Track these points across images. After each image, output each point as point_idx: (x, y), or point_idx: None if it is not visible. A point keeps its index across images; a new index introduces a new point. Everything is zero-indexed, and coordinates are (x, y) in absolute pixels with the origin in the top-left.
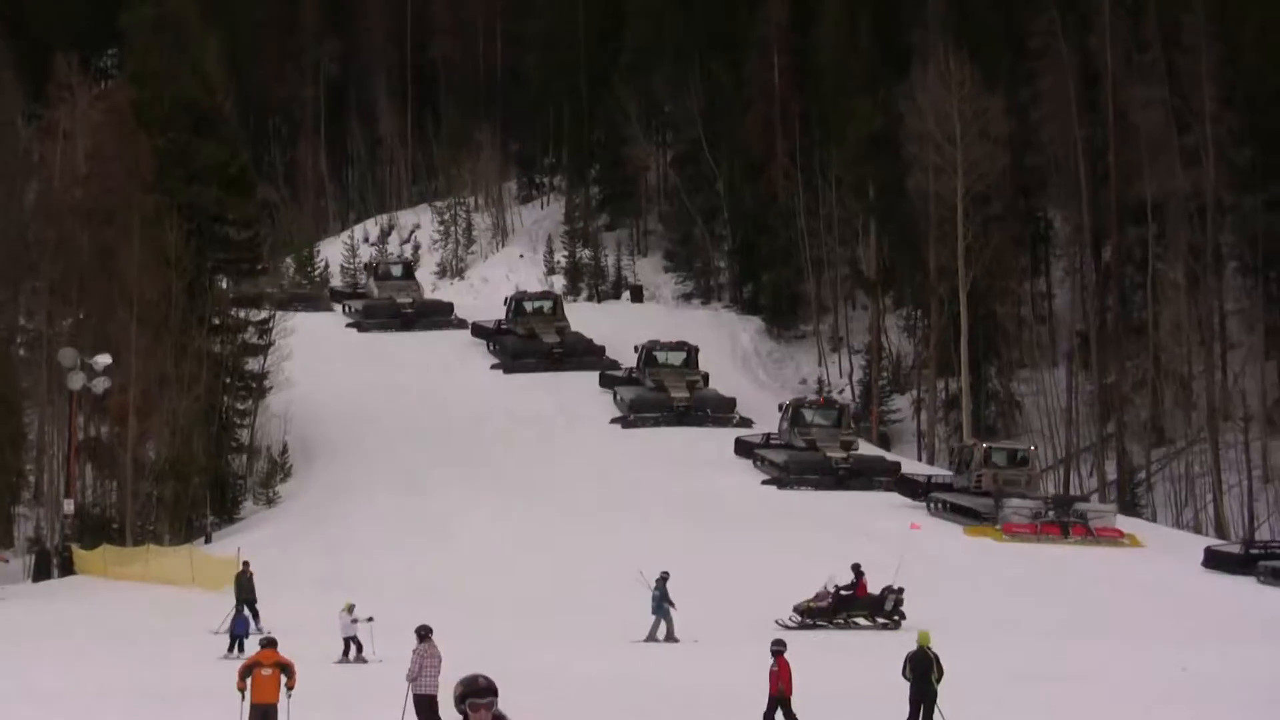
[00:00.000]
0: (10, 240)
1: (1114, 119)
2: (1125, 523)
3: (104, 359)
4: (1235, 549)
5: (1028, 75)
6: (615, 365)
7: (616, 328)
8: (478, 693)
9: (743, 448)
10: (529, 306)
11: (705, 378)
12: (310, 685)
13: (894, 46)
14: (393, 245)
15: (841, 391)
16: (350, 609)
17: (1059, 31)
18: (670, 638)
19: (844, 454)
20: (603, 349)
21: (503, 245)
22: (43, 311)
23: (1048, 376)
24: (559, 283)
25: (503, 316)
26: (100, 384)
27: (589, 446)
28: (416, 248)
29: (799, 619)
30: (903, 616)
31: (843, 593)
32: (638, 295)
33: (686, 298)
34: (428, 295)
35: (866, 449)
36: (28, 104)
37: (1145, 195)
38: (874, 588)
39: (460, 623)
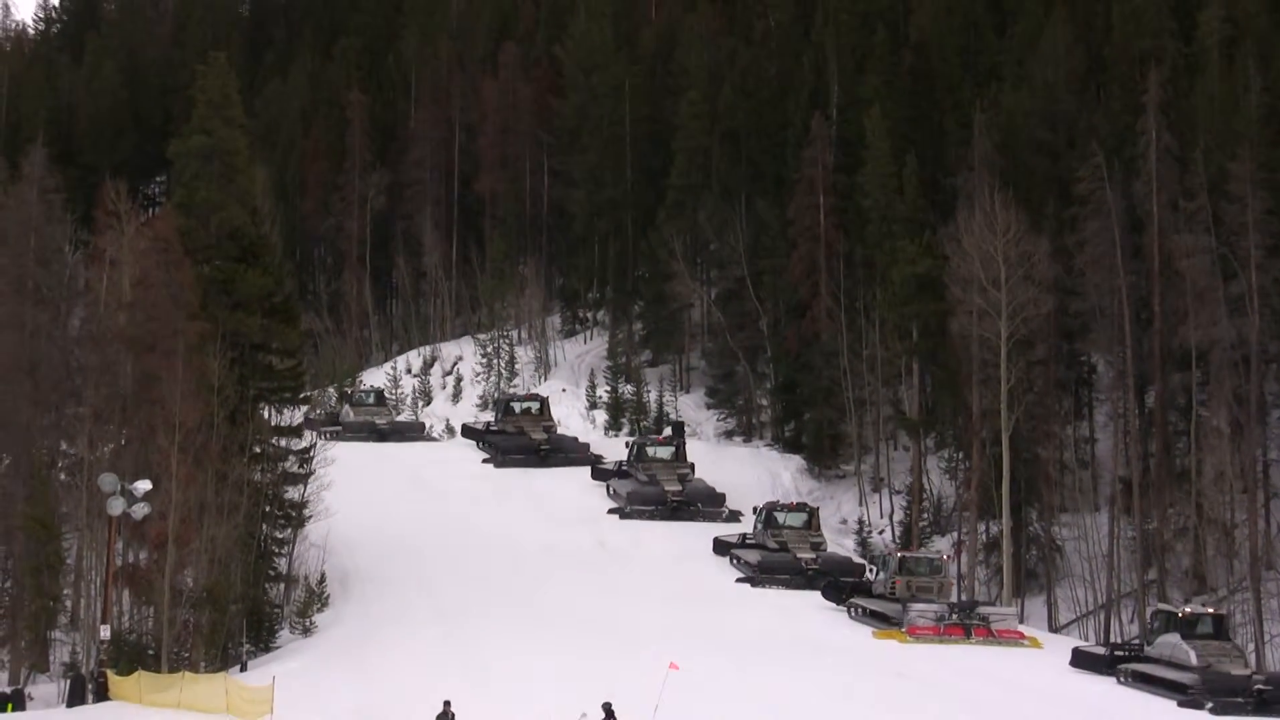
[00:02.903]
0: (54, 365)
1: (1159, 265)
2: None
3: (144, 485)
4: (1101, 650)
5: (1073, 220)
6: (599, 460)
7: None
8: None
9: (721, 547)
10: (518, 407)
11: (692, 467)
12: None
13: (940, 189)
14: (435, 376)
15: (882, 532)
16: None
17: (1105, 177)
18: None
19: (813, 555)
20: (586, 445)
21: (545, 379)
22: (84, 436)
23: (1089, 521)
24: (600, 417)
25: (491, 419)
26: (139, 510)
27: (597, 551)
28: (459, 379)
29: None
30: None
31: None
32: (679, 432)
33: (728, 435)
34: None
35: (835, 549)
36: (75, 230)
37: (1189, 342)
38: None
39: None
